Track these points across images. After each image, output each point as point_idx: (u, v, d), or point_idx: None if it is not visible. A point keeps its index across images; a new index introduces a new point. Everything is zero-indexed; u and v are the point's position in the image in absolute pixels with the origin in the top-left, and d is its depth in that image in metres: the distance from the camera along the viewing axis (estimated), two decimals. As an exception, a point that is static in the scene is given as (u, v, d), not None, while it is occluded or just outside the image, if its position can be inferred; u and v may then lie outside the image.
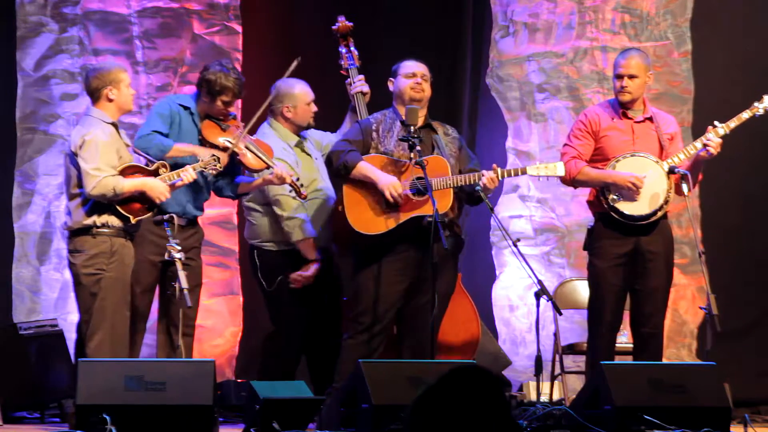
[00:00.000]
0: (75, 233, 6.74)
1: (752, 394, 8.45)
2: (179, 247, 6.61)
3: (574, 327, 8.54)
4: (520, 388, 8.65)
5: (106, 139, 6.71)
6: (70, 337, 7.54)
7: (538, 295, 6.71)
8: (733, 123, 7.21)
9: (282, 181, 7.10)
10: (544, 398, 7.53)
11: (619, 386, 6.30)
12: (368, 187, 6.97)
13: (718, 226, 8.89)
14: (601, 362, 6.51)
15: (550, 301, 6.73)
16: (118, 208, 6.69)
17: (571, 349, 7.93)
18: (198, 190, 7.16)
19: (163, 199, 6.74)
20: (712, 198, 8.86)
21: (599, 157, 7.22)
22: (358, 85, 7.53)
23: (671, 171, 7.09)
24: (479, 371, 2.96)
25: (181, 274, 6.53)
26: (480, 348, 7.54)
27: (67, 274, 7.28)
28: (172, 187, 6.81)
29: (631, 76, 7.18)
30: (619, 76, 7.21)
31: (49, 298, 8.67)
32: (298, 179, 7.15)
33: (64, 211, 6.91)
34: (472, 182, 6.93)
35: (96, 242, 6.70)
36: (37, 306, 8.66)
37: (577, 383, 7.86)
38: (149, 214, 6.78)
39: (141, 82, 8.76)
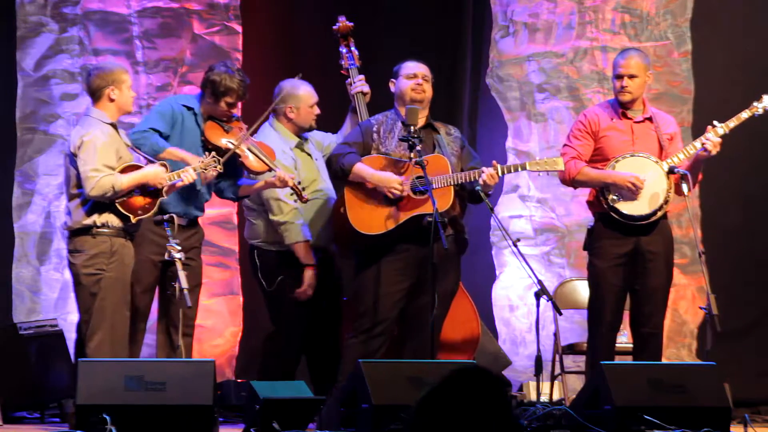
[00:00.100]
0: (75, 233, 6.73)
1: (752, 394, 8.45)
2: (179, 247, 6.60)
3: (574, 327, 8.53)
4: (520, 388, 8.64)
5: (105, 140, 6.69)
6: (70, 337, 7.53)
7: (538, 295, 6.71)
8: (732, 123, 7.21)
9: (284, 184, 7.08)
10: (544, 398, 7.52)
11: (619, 386, 6.30)
12: (369, 187, 6.98)
13: (718, 226, 8.88)
14: (601, 362, 6.51)
15: (550, 301, 6.73)
16: (119, 207, 6.69)
17: (571, 349, 7.92)
18: (197, 192, 7.14)
19: (165, 183, 6.72)
20: (712, 198, 8.85)
21: (599, 158, 7.22)
22: (359, 85, 7.53)
23: (671, 171, 7.08)
24: (482, 372, 2.96)
25: (181, 274, 6.52)
26: (480, 348, 7.54)
27: (67, 274, 7.27)
28: (173, 187, 6.80)
29: (630, 76, 7.17)
30: (618, 76, 7.21)
31: (49, 298, 8.66)
32: (299, 182, 7.15)
33: (64, 211, 6.90)
34: (471, 179, 6.92)
35: (96, 242, 6.69)
36: (37, 306, 8.65)
37: (577, 383, 7.86)
38: (149, 214, 6.78)
39: (141, 82, 8.75)
